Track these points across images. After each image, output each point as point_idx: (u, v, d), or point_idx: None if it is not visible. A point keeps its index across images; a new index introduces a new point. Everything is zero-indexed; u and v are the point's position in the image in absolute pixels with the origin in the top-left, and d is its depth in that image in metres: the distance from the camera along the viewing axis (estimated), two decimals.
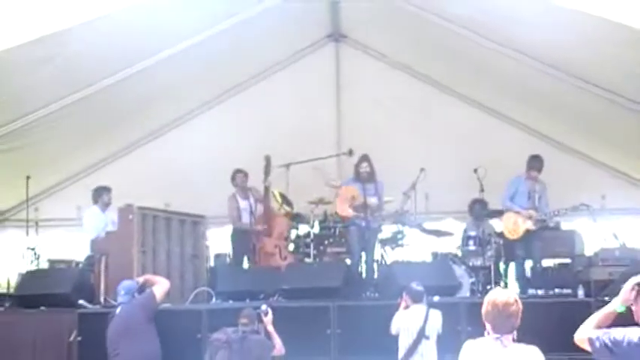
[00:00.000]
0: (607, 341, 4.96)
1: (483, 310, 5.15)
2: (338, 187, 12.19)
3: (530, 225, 11.65)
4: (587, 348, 5.07)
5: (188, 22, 11.20)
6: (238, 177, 12.73)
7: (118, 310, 9.54)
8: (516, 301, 5.12)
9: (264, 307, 9.26)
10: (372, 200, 11.73)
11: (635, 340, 4.92)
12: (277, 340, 9.04)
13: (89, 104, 11.91)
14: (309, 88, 14.49)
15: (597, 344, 5.00)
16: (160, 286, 9.73)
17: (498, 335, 5.06)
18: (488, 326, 5.14)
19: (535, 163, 11.85)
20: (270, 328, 9.10)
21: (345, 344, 10.02)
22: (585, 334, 5.08)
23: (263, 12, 12.03)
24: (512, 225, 11.78)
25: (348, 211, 11.91)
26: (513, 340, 5.09)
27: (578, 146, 14.07)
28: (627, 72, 10.22)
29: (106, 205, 12.42)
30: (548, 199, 11.93)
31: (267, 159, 12.48)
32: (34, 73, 10.34)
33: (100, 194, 12.47)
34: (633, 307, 5.07)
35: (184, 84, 13.36)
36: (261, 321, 9.09)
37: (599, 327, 5.09)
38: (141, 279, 10.06)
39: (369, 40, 14.40)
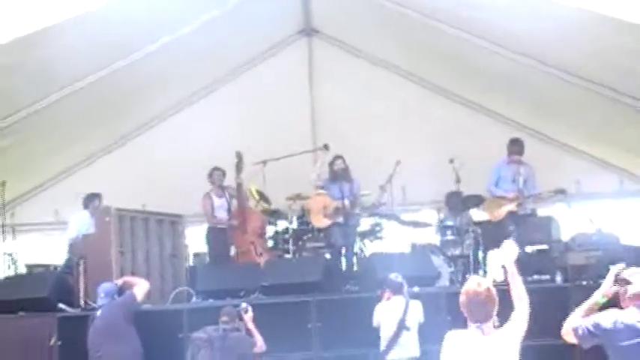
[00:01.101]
0: (589, 326, 5.14)
1: (460, 300, 5.20)
2: (316, 188, 12.28)
3: (512, 207, 11.65)
4: (574, 340, 5.23)
5: (159, 22, 11.16)
6: (215, 174, 12.67)
7: (98, 313, 9.54)
8: (488, 288, 5.16)
9: (244, 304, 9.30)
10: (345, 202, 11.81)
11: (612, 321, 5.06)
12: (258, 337, 9.07)
13: (63, 107, 11.86)
14: (282, 83, 14.49)
15: (580, 332, 5.16)
16: (140, 288, 9.75)
17: (478, 324, 5.10)
18: (465, 315, 5.19)
19: (514, 146, 11.84)
20: (251, 325, 9.13)
21: (326, 338, 10.04)
22: (569, 325, 5.25)
23: (234, 9, 12.00)
24: (495, 207, 11.79)
25: (323, 222, 12.09)
26: (495, 327, 5.14)
27: (552, 132, 14.15)
28: (601, 59, 10.29)
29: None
30: (536, 182, 11.92)
31: (239, 155, 12.37)
32: (7, 77, 10.27)
33: (92, 200, 12.38)
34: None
35: (157, 84, 13.34)
36: (241, 318, 9.12)
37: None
38: (120, 281, 10.06)
39: (341, 34, 14.43)
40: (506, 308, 5.28)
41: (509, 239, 10.57)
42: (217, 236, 12.59)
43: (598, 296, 5.30)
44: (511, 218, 11.66)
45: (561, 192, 11.69)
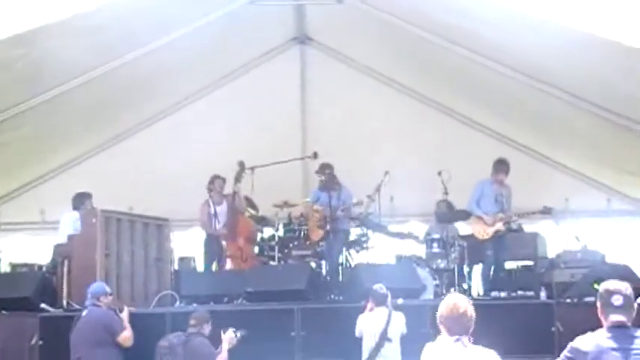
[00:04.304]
0: (567, 354, 5.15)
1: (438, 314, 5.22)
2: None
3: (499, 226, 11.67)
4: None
5: (152, 24, 11.14)
6: (217, 183, 12.63)
7: (83, 313, 9.48)
8: (468, 303, 5.20)
9: (232, 329, 9.22)
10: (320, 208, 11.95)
11: (590, 344, 5.08)
12: (223, 354, 9.05)
13: (53, 107, 11.81)
14: (274, 90, 14.45)
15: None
16: (125, 335, 9.43)
17: (457, 337, 5.12)
18: (443, 329, 5.20)
19: (502, 166, 11.84)
20: (225, 345, 9.11)
21: (309, 347, 10.03)
22: None
23: (228, 15, 12.00)
24: (481, 225, 11.79)
25: (319, 233, 12.10)
26: (470, 342, 5.16)
27: (542, 149, 14.19)
28: (591, 76, 10.33)
29: None
30: (511, 204, 11.97)
31: (241, 165, 12.43)
32: None
33: (83, 200, 12.31)
34: None
35: (148, 88, 13.29)
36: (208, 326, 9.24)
37: None
38: (125, 312, 9.83)
39: (335, 43, 14.42)
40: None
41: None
42: (215, 244, 12.61)
43: None
44: (496, 238, 11.67)
45: (546, 211, 11.71)
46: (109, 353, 9.28)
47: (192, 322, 9.12)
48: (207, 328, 9.20)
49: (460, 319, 5.13)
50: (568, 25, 8.79)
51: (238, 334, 9.20)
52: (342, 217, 12.02)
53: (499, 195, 11.82)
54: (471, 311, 5.17)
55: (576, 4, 8.50)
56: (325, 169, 12.22)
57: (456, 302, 5.19)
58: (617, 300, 5.14)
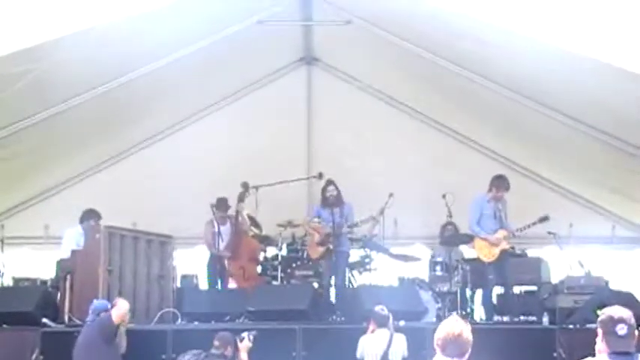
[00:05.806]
0: None
1: (435, 335, 5.20)
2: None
3: (504, 245, 11.58)
4: None
5: (160, 43, 11.16)
6: (221, 206, 12.67)
7: (83, 329, 9.49)
8: (466, 327, 5.18)
9: (244, 333, 9.24)
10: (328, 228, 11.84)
11: None
12: None
13: (58, 123, 11.82)
14: (280, 110, 14.48)
15: None
16: (116, 309, 9.56)
17: (450, 359, 5.10)
18: (438, 350, 5.19)
19: (503, 183, 11.65)
20: (244, 355, 9.08)
21: None
22: None
23: (235, 34, 12.02)
24: (487, 248, 11.67)
25: (318, 250, 12.02)
26: None
27: (546, 174, 14.18)
28: (596, 101, 10.33)
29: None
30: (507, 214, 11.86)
31: (245, 186, 12.46)
32: (2, 90, 10.26)
33: (89, 217, 12.30)
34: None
35: (153, 105, 13.33)
36: (237, 347, 9.11)
37: None
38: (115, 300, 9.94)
39: (342, 63, 14.44)
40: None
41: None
42: (217, 264, 12.59)
43: None
44: (500, 262, 11.57)
45: (545, 219, 11.61)
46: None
47: (216, 343, 9.01)
48: (230, 351, 9.12)
49: (455, 342, 5.10)
50: (573, 50, 8.80)
51: (251, 337, 9.20)
52: (348, 233, 11.98)
53: (497, 210, 11.66)
54: (468, 335, 5.14)
55: (582, 29, 8.52)
56: (333, 184, 12.16)
57: (452, 324, 5.17)
58: (621, 329, 5.09)
